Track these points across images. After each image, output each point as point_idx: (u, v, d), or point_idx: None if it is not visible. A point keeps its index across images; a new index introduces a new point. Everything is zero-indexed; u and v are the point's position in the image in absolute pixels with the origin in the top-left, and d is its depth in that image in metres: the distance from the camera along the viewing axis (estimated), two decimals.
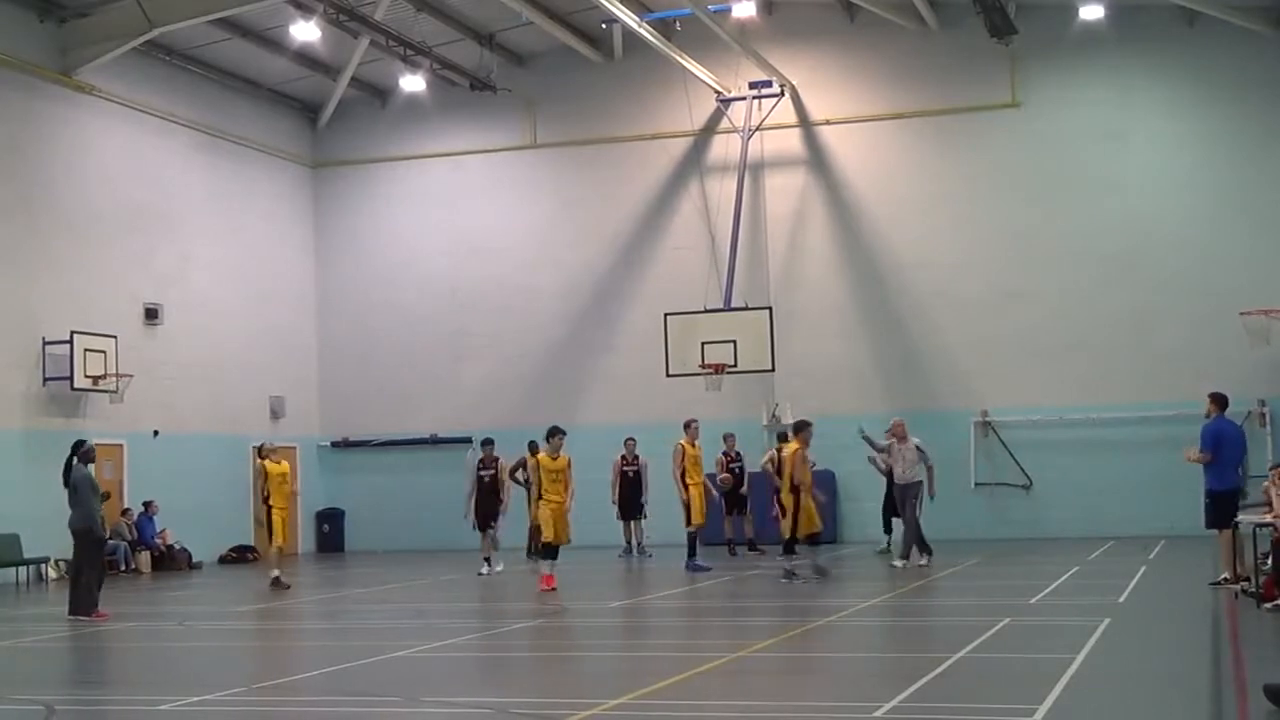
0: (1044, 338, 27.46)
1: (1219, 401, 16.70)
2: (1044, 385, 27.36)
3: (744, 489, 24.30)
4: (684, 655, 12.55)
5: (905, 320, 28.38)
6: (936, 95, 28.40)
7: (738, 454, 24.57)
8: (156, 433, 26.95)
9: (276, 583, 20.32)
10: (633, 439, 24.80)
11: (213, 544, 27.79)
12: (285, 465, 21.17)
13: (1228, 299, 25.75)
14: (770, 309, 26.18)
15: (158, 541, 26.06)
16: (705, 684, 10.63)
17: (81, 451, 17.25)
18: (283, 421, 30.38)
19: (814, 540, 18.94)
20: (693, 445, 22.28)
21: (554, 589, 17.89)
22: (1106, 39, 27.20)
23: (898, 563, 20.53)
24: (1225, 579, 16.06)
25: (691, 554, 21.48)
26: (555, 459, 18.41)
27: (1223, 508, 16.06)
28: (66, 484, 17.09)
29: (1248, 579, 15.26)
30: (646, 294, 29.39)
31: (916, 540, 20.49)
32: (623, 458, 24.65)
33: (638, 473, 24.60)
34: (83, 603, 16.76)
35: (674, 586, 19.11)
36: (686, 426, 22.46)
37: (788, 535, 18.56)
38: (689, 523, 21.81)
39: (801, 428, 19.14)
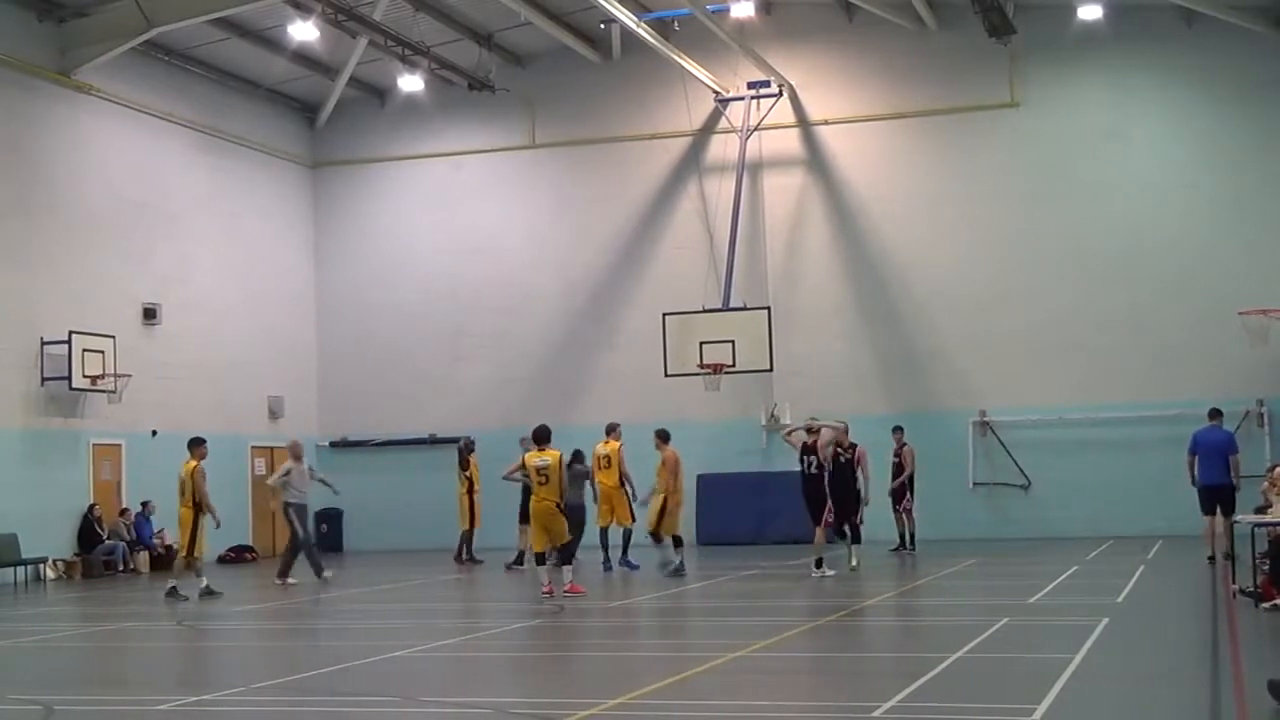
0: (1043, 338, 27.46)
1: (1209, 413, 19.74)
2: (1043, 385, 27.36)
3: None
4: (684, 655, 12.56)
5: (904, 320, 28.38)
6: (935, 95, 28.40)
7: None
8: (155, 432, 26.93)
9: (174, 591, 19.26)
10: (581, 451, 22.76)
11: (211, 544, 27.67)
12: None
13: (1227, 299, 25.73)
14: (769, 309, 26.17)
15: (156, 541, 26.07)
16: (705, 684, 10.63)
17: (576, 454, 20.97)
18: (282, 421, 30.38)
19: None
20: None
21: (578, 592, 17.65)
22: (1106, 39, 27.20)
23: (292, 579, 21.02)
24: (1210, 557, 18.77)
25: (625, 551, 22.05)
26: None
27: (1200, 498, 19.24)
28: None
29: (1212, 556, 18.53)
30: (645, 294, 29.39)
31: (312, 558, 21.40)
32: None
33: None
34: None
35: (672, 587, 19.10)
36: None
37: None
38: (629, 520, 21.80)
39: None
